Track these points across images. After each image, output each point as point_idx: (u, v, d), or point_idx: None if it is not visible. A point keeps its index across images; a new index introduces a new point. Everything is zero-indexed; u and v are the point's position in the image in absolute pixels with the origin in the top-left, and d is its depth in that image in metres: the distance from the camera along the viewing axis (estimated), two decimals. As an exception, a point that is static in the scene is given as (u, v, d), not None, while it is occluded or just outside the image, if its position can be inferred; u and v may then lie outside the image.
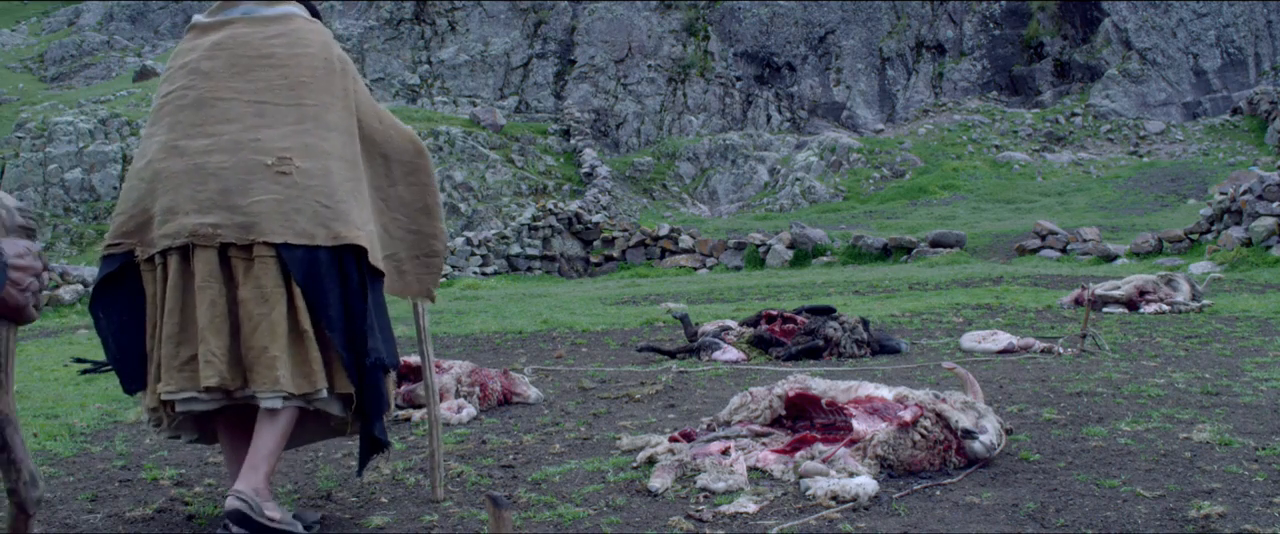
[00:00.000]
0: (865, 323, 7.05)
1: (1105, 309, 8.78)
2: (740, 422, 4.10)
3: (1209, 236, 14.21)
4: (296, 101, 3.23)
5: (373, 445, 3.30)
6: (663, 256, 20.14)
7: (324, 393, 3.09)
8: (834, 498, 3.25)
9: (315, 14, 3.51)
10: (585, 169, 27.73)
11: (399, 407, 5.22)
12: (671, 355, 7.03)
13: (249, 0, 3.39)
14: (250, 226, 3.05)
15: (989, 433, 3.64)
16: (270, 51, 3.28)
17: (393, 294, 3.42)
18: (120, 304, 3.21)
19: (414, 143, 3.53)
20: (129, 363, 3.22)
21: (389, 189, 3.46)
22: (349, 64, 3.42)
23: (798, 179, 27.32)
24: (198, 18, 3.43)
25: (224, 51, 3.28)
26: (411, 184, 3.50)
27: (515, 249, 20.64)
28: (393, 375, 3.31)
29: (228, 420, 3.28)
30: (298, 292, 3.08)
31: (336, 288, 3.13)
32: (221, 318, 3.04)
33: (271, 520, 2.96)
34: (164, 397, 3.08)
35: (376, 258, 3.24)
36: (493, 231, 21.24)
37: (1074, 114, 30.26)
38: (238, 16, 3.36)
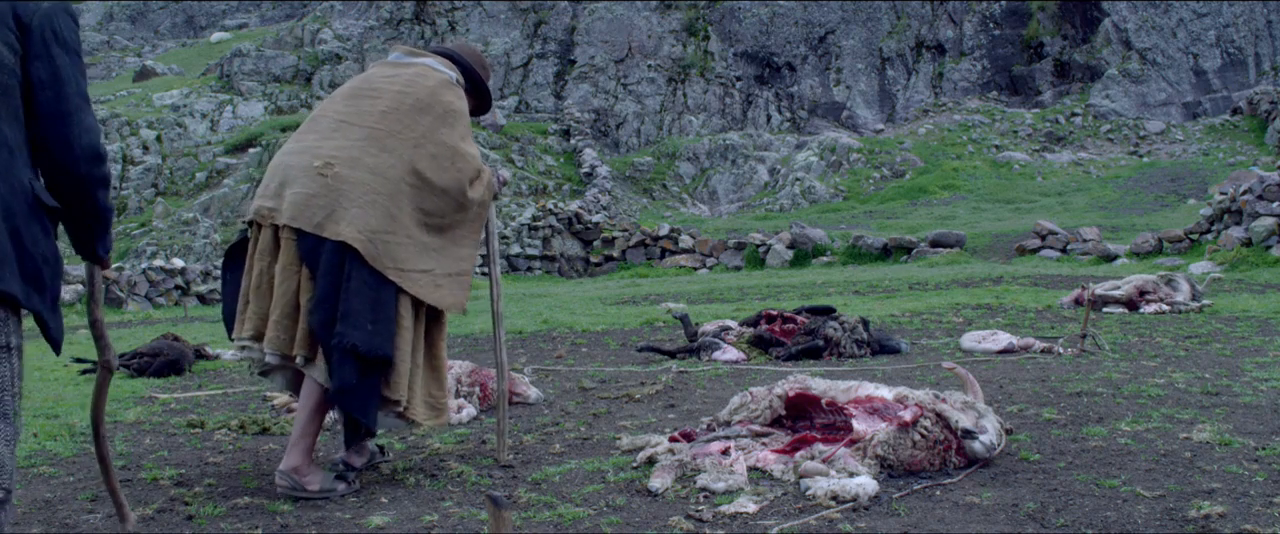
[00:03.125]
0: (865, 323, 7.05)
1: (1105, 309, 8.78)
2: (740, 422, 4.10)
3: (1209, 236, 14.20)
4: (371, 125, 3.84)
5: (349, 426, 3.79)
6: (663, 256, 20.14)
7: (299, 358, 3.67)
8: (834, 498, 3.25)
9: (472, 71, 4.18)
10: (585, 169, 27.73)
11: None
12: (671, 355, 7.03)
13: (401, 50, 4.16)
14: (282, 212, 3.71)
15: (989, 433, 3.64)
16: (378, 87, 3.97)
17: (431, 303, 3.84)
18: (237, 268, 3.98)
19: (464, 193, 3.96)
20: (230, 313, 3.96)
21: (441, 218, 3.93)
22: (447, 111, 3.96)
23: (798, 179, 27.31)
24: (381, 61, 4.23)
25: (352, 84, 4.04)
26: (457, 219, 3.99)
27: (515, 249, 20.64)
28: (398, 367, 3.68)
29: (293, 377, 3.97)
30: (304, 271, 3.70)
31: (331, 275, 3.64)
32: (266, 284, 3.76)
33: (311, 492, 3.62)
34: (233, 340, 3.87)
35: (382, 262, 3.69)
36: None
37: (1074, 114, 30.26)
38: (384, 62, 4.14)
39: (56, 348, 2.54)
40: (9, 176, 2.36)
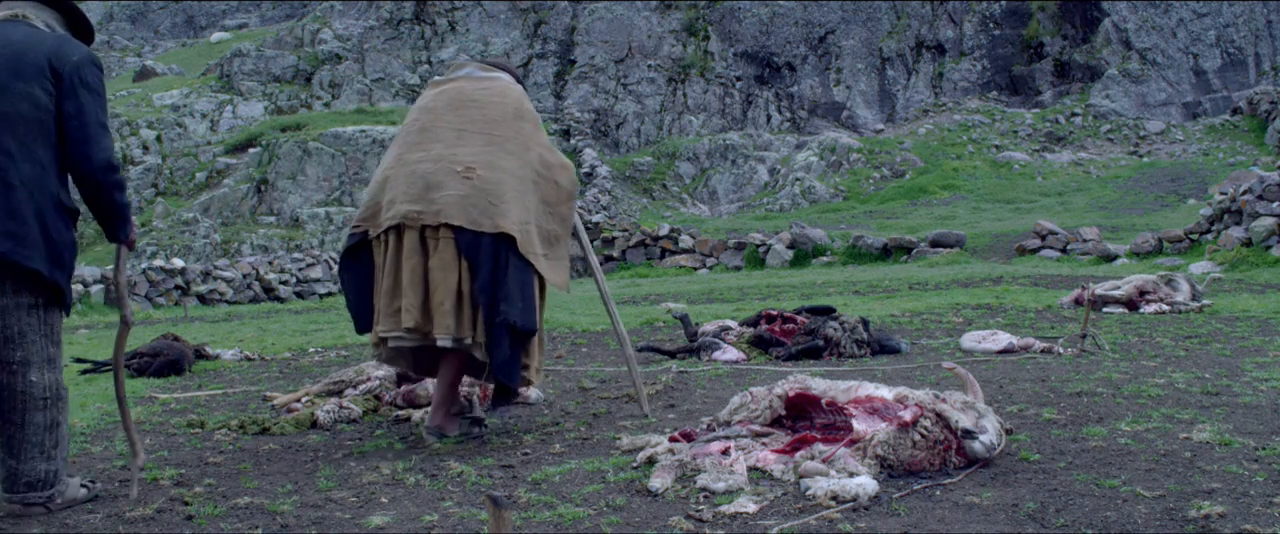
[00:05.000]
0: (865, 323, 7.05)
1: (1105, 309, 8.78)
2: (740, 422, 4.10)
3: (1209, 236, 14.20)
4: (487, 132, 4.42)
5: (499, 390, 4.43)
6: (663, 256, 20.13)
7: (468, 339, 4.22)
8: (834, 498, 3.24)
9: (519, 80, 4.81)
10: (585, 169, 27.73)
11: (398, 406, 5.23)
12: (671, 355, 7.03)
13: (472, 65, 4.73)
14: (438, 213, 4.21)
15: (989, 433, 3.64)
16: (476, 97, 4.54)
17: (551, 282, 4.45)
18: (357, 269, 4.50)
19: (573, 179, 4.66)
20: (361, 312, 4.49)
21: (553, 208, 4.55)
22: (534, 117, 4.64)
23: (798, 179, 27.31)
24: (436, 77, 4.87)
25: (446, 96, 4.58)
26: (563, 210, 4.61)
27: (515, 249, 20.62)
28: (532, 338, 4.35)
29: (425, 356, 4.56)
30: (464, 263, 4.22)
31: (490, 263, 4.21)
32: (418, 280, 4.23)
33: (450, 434, 4.45)
34: (380, 334, 4.31)
35: (528, 249, 4.30)
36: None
37: (1074, 114, 30.25)
38: (462, 76, 4.69)
39: (67, 311, 3.53)
40: (41, 186, 3.33)
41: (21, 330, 3.39)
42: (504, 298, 4.19)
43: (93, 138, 3.39)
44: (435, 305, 4.20)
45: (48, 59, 3.36)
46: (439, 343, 4.22)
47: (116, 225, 3.55)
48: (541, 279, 4.45)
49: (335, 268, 18.03)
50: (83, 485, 3.63)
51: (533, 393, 5.46)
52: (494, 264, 4.21)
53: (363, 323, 4.51)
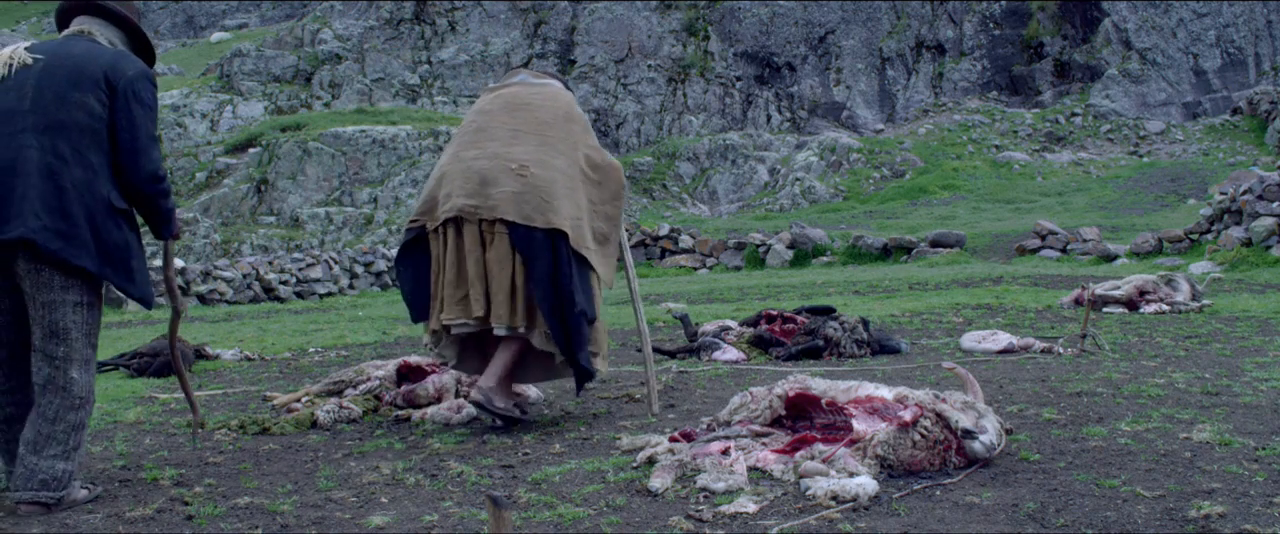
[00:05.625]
0: (865, 323, 7.05)
1: (1105, 309, 8.78)
2: (740, 422, 4.10)
3: (1209, 236, 14.20)
4: (539, 133, 4.72)
5: (581, 374, 4.68)
6: (663, 256, 20.12)
7: (521, 329, 4.53)
8: (834, 498, 3.24)
9: (568, 87, 5.13)
10: (585, 169, 27.68)
11: (398, 406, 5.23)
12: (671, 355, 7.03)
13: (525, 72, 5.06)
14: (494, 209, 4.49)
15: (989, 433, 3.64)
16: (529, 101, 4.84)
17: (601, 274, 4.75)
18: (414, 261, 4.79)
19: (620, 179, 4.98)
20: (418, 301, 4.79)
21: (600, 205, 4.86)
22: (583, 120, 4.94)
23: (798, 179, 27.31)
24: (491, 83, 5.16)
25: (501, 99, 4.88)
26: (610, 208, 4.92)
27: (515, 249, 20.62)
28: (596, 324, 4.68)
29: (476, 345, 4.87)
30: (518, 257, 4.50)
31: (545, 256, 4.49)
32: (480, 272, 4.54)
33: (498, 408, 4.60)
34: (444, 322, 4.61)
35: (580, 244, 4.59)
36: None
37: (1074, 114, 30.25)
38: (516, 82, 5.00)
39: (146, 303, 3.81)
40: (92, 189, 3.58)
41: (66, 327, 3.58)
42: (573, 290, 4.50)
43: (141, 149, 3.65)
44: (492, 296, 4.52)
45: (104, 72, 3.62)
46: (496, 331, 4.55)
47: (160, 226, 3.87)
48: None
49: (334, 268, 18.03)
50: (83, 487, 3.68)
51: (532, 393, 5.46)
52: (551, 257, 4.50)
53: (419, 312, 4.80)
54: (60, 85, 3.58)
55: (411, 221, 4.80)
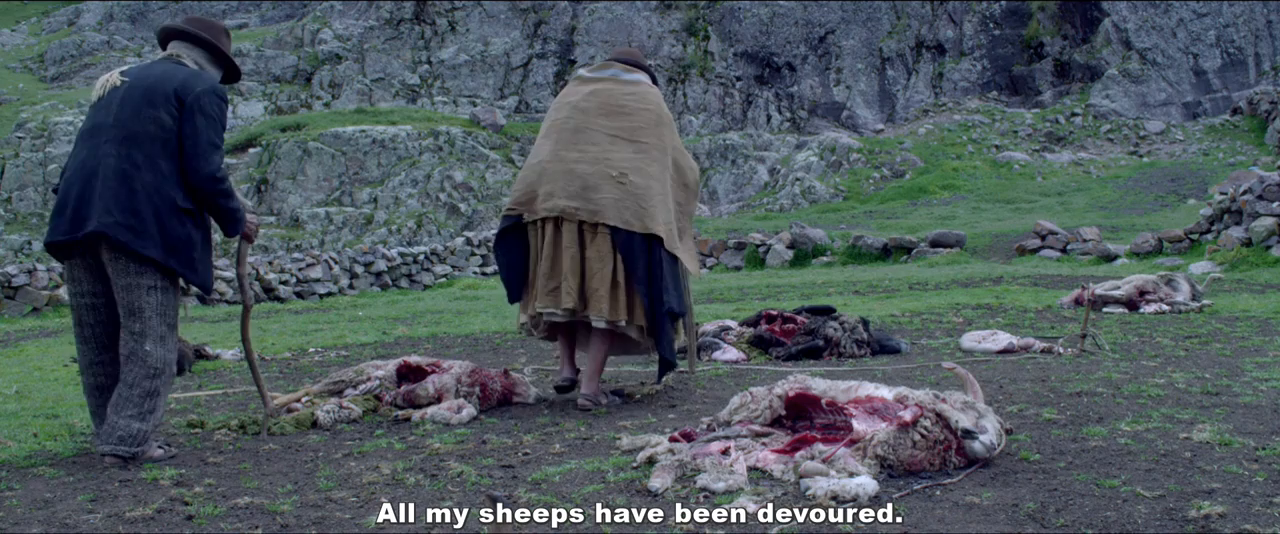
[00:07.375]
0: (865, 323, 7.05)
1: (1105, 309, 8.78)
2: (740, 422, 4.10)
3: (1209, 236, 14.20)
4: (635, 139, 5.13)
5: (664, 364, 5.14)
6: (663, 257, 20.10)
7: (622, 323, 4.98)
8: (834, 498, 3.24)
9: (654, 79, 5.48)
10: (585, 169, 27.67)
11: (398, 406, 5.23)
12: (671, 355, 7.02)
13: (617, 66, 5.37)
14: (596, 212, 4.94)
15: (989, 433, 3.64)
16: (624, 104, 5.21)
17: (690, 270, 5.26)
18: (511, 246, 5.22)
19: (697, 178, 5.48)
20: (514, 283, 5.25)
21: (683, 206, 5.30)
22: (670, 120, 5.33)
23: (798, 179, 27.31)
24: (581, 71, 5.49)
25: (596, 98, 5.22)
26: (690, 208, 5.38)
27: (515, 249, 20.61)
28: (681, 321, 5.23)
29: (567, 331, 5.31)
30: (619, 258, 4.94)
31: (644, 258, 4.94)
32: (576, 267, 4.96)
33: (603, 404, 5.09)
34: (537, 310, 5.08)
35: (672, 245, 5.04)
36: (493, 232, 21.24)
37: (1074, 114, 30.25)
38: (608, 76, 5.33)
39: (205, 289, 4.41)
40: (161, 191, 4.15)
41: (141, 307, 4.16)
42: (665, 289, 4.94)
43: (202, 153, 4.20)
44: (591, 291, 4.94)
45: (175, 89, 4.21)
46: (594, 324, 4.96)
47: (227, 225, 4.38)
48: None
49: (334, 268, 18.04)
50: (159, 447, 4.29)
51: (533, 392, 5.46)
52: (648, 259, 4.95)
53: (514, 292, 5.27)
54: (138, 102, 4.19)
55: (508, 210, 5.20)
